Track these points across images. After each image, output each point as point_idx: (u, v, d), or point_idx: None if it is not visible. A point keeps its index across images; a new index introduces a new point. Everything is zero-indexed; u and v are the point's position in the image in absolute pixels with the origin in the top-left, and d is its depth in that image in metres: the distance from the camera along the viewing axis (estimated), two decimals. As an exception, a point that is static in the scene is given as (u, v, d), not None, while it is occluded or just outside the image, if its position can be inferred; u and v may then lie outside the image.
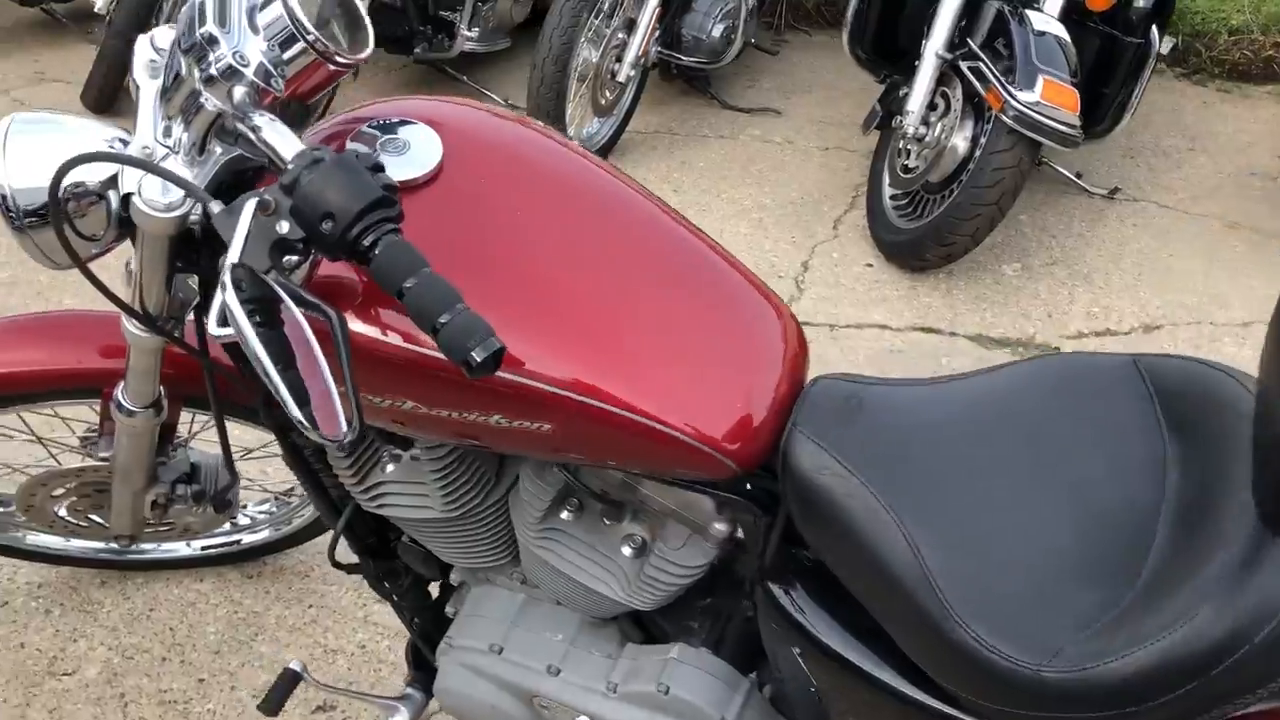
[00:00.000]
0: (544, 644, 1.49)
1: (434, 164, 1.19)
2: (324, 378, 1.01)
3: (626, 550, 1.37)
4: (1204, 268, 3.34)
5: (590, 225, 1.24)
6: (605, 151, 3.79)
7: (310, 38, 1.15)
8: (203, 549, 2.18)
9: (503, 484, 1.44)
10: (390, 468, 1.46)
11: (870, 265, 3.35)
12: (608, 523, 1.38)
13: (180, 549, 2.18)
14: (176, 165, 1.22)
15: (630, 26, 3.63)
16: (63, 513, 1.92)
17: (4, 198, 1.27)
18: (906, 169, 3.27)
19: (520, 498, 1.38)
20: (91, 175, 1.28)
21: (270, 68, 1.13)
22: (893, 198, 3.38)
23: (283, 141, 1.05)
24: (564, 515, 1.37)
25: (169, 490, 1.80)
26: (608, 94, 3.72)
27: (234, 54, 1.12)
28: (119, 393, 1.58)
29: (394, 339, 1.15)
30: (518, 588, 1.55)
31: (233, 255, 1.02)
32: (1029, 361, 1.31)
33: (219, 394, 1.50)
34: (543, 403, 1.15)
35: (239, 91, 1.12)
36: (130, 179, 1.21)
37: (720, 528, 1.31)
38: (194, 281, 1.35)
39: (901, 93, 3.28)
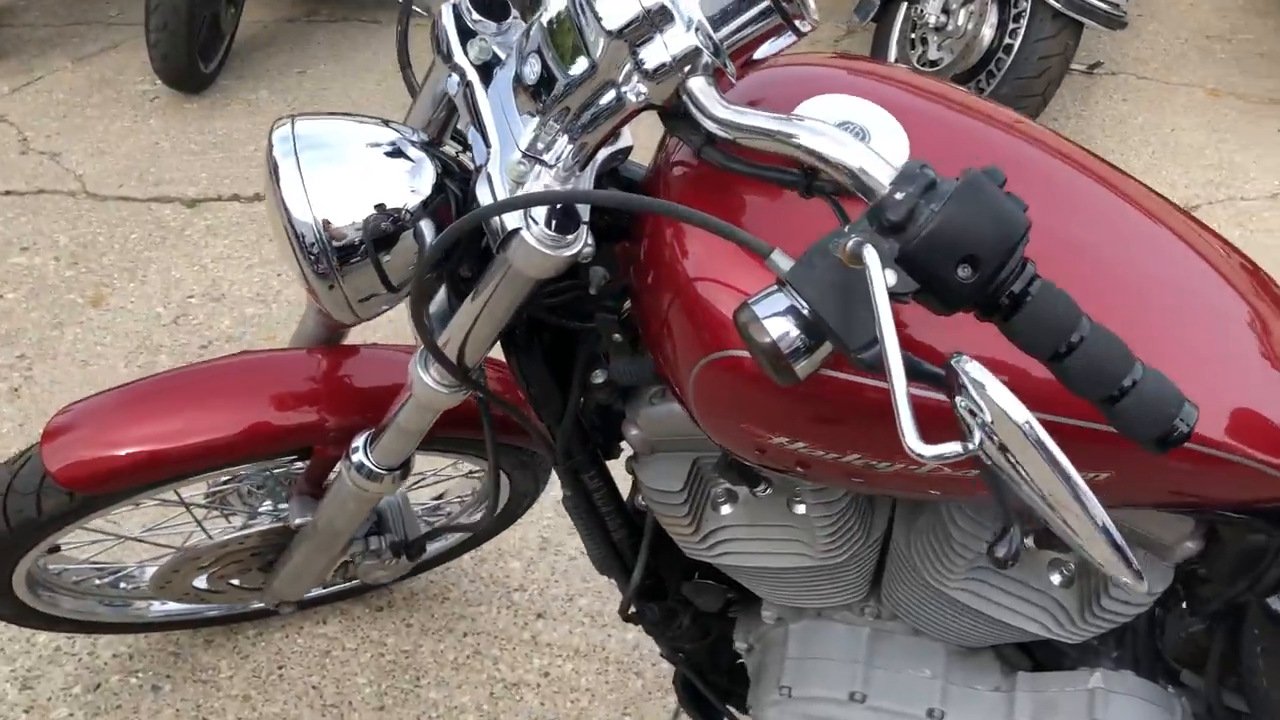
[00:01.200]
0: (914, 685, 1.30)
1: (903, 158, 0.93)
2: None
3: (1055, 579, 1.19)
4: (1209, 140, 3.32)
5: (1107, 226, 1.01)
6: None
7: None
8: (326, 585, 1.86)
9: (879, 523, 1.22)
10: (726, 509, 1.23)
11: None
12: (1031, 549, 1.19)
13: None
14: (549, 183, 0.93)
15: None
16: (200, 583, 1.58)
17: (310, 238, 0.95)
18: (929, 62, 3.09)
19: (935, 540, 1.17)
20: (400, 196, 0.97)
21: (718, 43, 0.85)
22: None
23: (852, 153, 0.78)
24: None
25: (364, 546, 1.49)
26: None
27: (694, 28, 0.83)
28: (361, 452, 1.26)
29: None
30: (861, 620, 1.35)
31: (844, 334, 0.75)
32: None
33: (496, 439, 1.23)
34: (1118, 452, 0.93)
35: (700, 84, 0.84)
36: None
37: (1190, 546, 1.14)
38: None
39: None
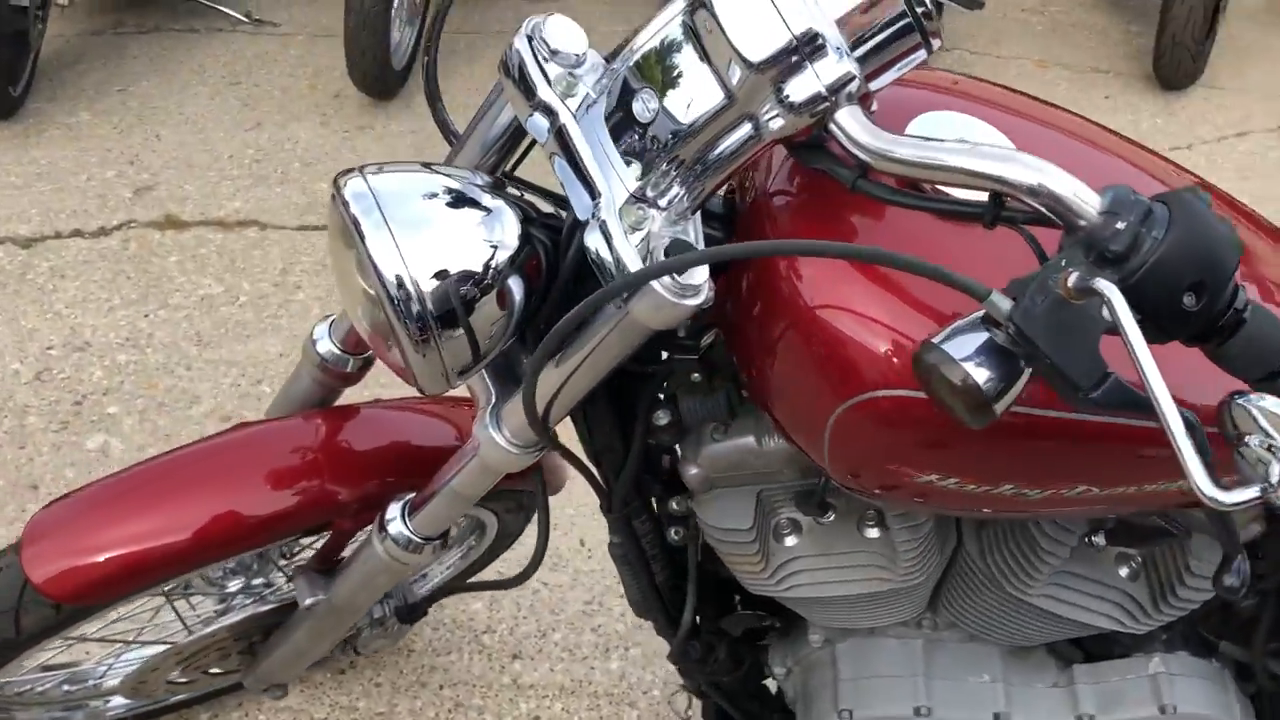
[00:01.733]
0: (977, 691, 1.30)
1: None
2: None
3: (1124, 572, 1.20)
4: (1049, 111, 3.48)
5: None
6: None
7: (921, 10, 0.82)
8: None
9: (951, 539, 1.20)
10: (791, 540, 1.19)
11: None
12: (1098, 548, 1.20)
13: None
14: (662, 229, 0.86)
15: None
16: (175, 675, 1.41)
17: (412, 303, 0.85)
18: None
19: (1018, 551, 1.15)
20: (491, 252, 0.88)
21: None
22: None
23: (1057, 180, 0.74)
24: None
25: (368, 617, 1.37)
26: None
27: (843, 54, 0.79)
28: (400, 522, 1.14)
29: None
30: (915, 634, 1.33)
31: (1075, 374, 0.71)
32: None
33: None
34: None
35: (851, 114, 0.80)
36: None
37: (1255, 528, 1.17)
38: None
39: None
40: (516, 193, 0.98)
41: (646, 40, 0.87)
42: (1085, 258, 0.72)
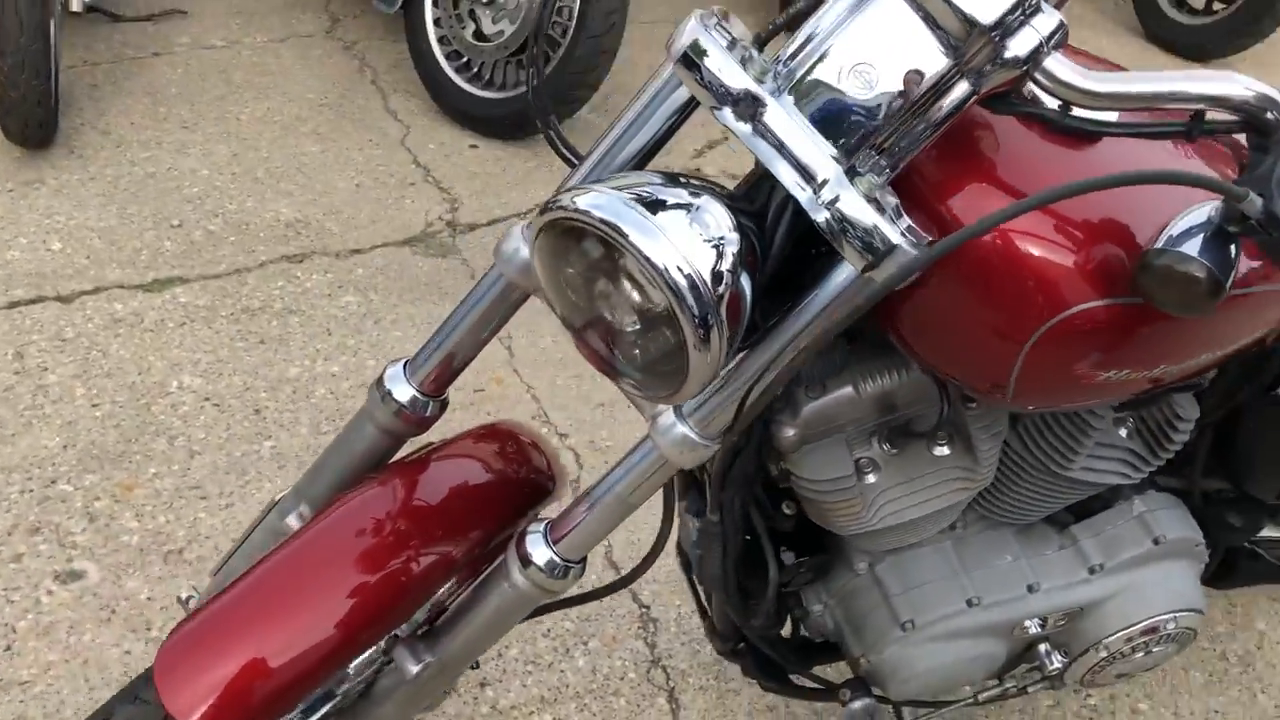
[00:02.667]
0: (1007, 573, 1.45)
1: None
2: None
3: (1123, 432, 1.38)
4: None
5: None
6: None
7: None
8: None
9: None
10: (872, 478, 1.27)
11: (475, 146, 3.17)
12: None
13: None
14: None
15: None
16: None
17: (703, 292, 0.84)
18: (481, 36, 3.11)
19: (1068, 434, 1.29)
20: (725, 247, 0.89)
21: None
22: (462, 69, 3.18)
23: (1253, 89, 0.87)
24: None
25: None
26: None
27: (1049, 5, 0.87)
28: (545, 546, 1.08)
29: None
30: (940, 538, 1.45)
31: None
32: None
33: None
34: None
35: (1060, 59, 0.88)
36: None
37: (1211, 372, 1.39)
38: None
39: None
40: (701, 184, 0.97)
41: (831, 21, 0.90)
42: None
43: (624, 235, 0.84)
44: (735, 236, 0.90)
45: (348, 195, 2.88)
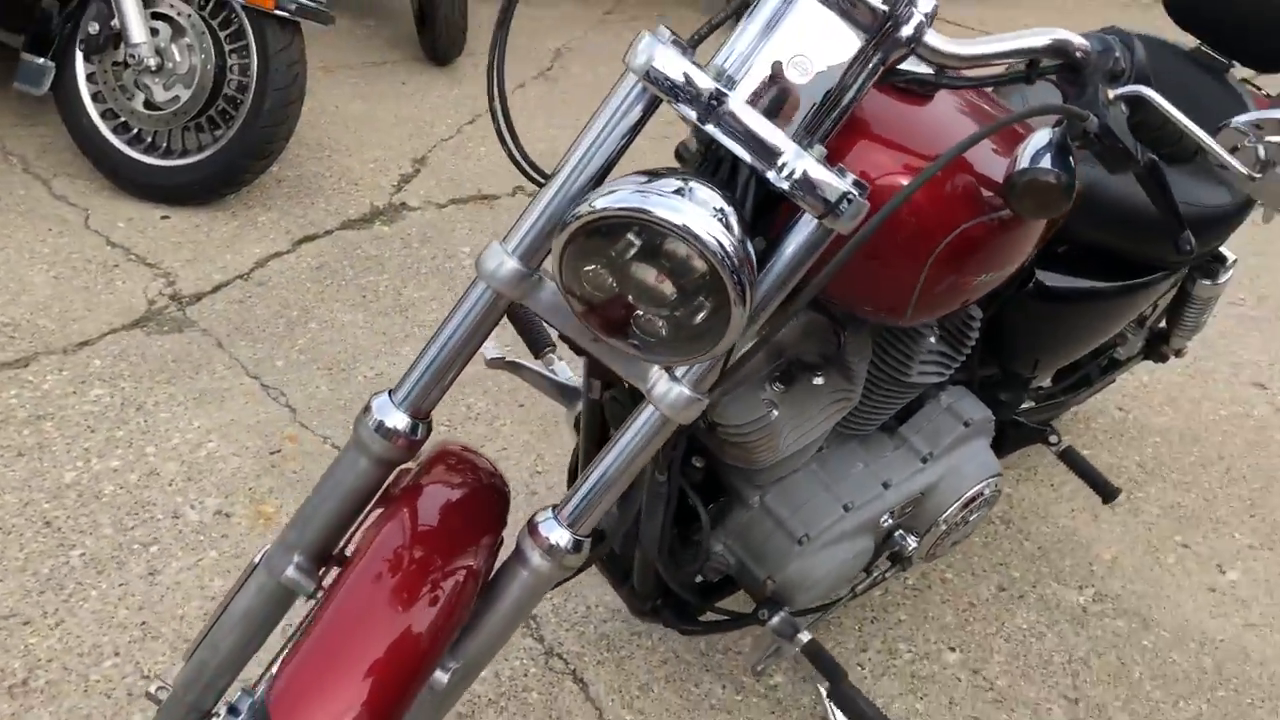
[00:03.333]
0: (863, 477, 1.70)
1: None
2: None
3: (933, 339, 1.66)
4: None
5: None
6: None
7: None
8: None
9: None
10: (775, 413, 1.46)
11: (167, 216, 3.05)
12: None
13: None
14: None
15: None
16: None
17: (736, 256, 0.99)
18: (153, 105, 3.00)
19: (907, 348, 1.56)
20: (729, 219, 1.05)
21: None
22: (134, 141, 3.05)
23: (1067, 36, 1.15)
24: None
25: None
26: None
27: None
28: (555, 526, 1.17)
29: None
30: (804, 463, 1.67)
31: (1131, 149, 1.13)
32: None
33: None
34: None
35: (934, 34, 1.12)
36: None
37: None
38: None
39: (91, 28, 2.92)
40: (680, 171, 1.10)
41: (760, 23, 1.08)
42: (1104, 81, 1.14)
43: (658, 219, 0.97)
44: (730, 209, 1.06)
45: (50, 289, 2.70)
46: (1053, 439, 2.08)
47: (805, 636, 1.68)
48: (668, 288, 1.02)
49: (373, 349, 2.68)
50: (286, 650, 1.11)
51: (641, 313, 1.05)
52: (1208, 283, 2.11)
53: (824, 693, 1.83)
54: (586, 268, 1.05)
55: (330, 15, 3.03)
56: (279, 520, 2.14)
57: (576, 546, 1.22)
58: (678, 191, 1.02)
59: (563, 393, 1.85)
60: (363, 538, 1.18)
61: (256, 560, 1.27)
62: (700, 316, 1.03)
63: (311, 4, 2.95)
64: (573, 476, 1.79)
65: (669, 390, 1.15)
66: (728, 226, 1.00)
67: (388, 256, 3.06)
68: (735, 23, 1.12)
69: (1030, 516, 2.42)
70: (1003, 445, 2.07)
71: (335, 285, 2.91)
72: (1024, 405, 2.08)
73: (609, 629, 2.01)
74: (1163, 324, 2.29)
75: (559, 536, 1.21)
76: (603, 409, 1.49)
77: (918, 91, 1.25)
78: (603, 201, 0.99)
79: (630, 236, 1.01)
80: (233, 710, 1.24)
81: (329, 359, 2.62)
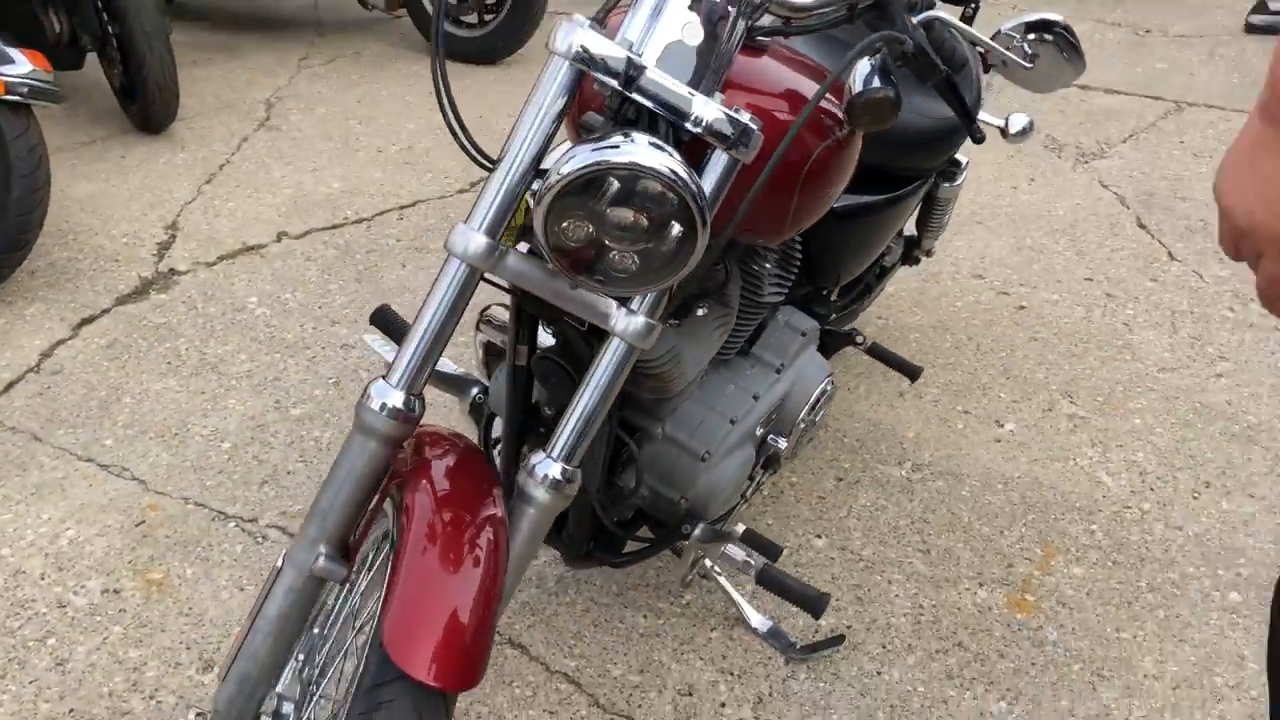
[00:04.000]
0: (736, 394, 1.94)
1: None
2: None
3: (769, 264, 1.93)
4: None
5: None
6: None
7: None
8: None
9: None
10: (701, 311, 1.69)
11: None
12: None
13: None
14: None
15: None
16: None
17: (692, 187, 1.21)
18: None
19: (760, 270, 1.81)
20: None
21: None
22: None
23: None
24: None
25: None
26: None
27: None
28: (553, 464, 1.34)
29: None
30: (689, 391, 1.90)
31: (941, 63, 1.43)
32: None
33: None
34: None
35: None
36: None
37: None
38: None
39: None
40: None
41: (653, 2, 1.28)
42: (906, 11, 1.44)
43: (630, 166, 1.17)
44: (670, 149, 1.26)
45: None
46: (859, 339, 2.41)
47: (740, 527, 1.91)
48: (642, 221, 1.22)
49: (198, 408, 2.68)
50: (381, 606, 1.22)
51: (615, 254, 1.25)
52: (948, 185, 2.51)
53: (734, 595, 2.07)
54: (563, 224, 1.22)
55: (60, 93, 2.97)
56: (171, 585, 2.15)
57: (572, 475, 1.39)
58: (626, 141, 1.21)
59: (452, 384, 1.99)
60: (399, 512, 1.30)
61: (279, 564, 1.36)
62: (667, 245, 1.24)
63: (41, 84, 2.89)
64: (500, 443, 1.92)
65: (630, 322, 1.34)
66: (678, 163, 1.21)
67: (176, 321, 3.03)
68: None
69: (842, 417, 2.76)
70: (825, 351, 2.38)
71: (134, 358, 2.86)
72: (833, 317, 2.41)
73: (527, 596, 2.16)
74: (912, 231, 2.68)
75: (556, 470, 1.37)
76: (529, 374, 1.65)
77: (752, 45, 1.50)
78: (568, 166, 1.18)
79: (612, 183, 1.19)
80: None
81: (158, 427, 2.60)
